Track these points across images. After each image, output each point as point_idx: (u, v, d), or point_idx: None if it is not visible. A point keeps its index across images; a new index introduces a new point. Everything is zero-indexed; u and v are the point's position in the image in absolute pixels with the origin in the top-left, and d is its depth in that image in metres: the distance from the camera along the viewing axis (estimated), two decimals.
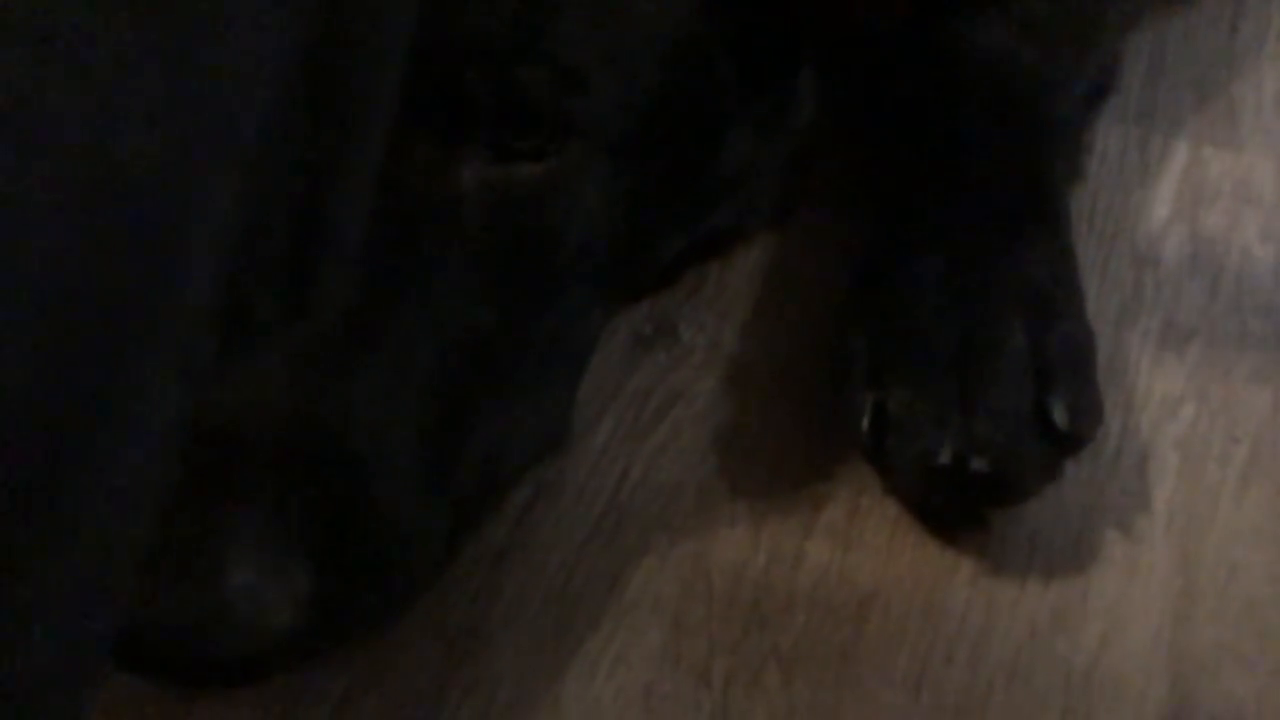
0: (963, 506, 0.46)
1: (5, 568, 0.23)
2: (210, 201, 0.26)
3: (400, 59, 0.33)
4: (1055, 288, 0.50)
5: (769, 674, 0.42)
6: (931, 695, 0.42)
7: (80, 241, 0.23)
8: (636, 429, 0.49)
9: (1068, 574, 0.46)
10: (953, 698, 0.42)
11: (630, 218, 0.46)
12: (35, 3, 0.22)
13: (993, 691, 0.42)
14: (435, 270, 0.41)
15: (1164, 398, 0.51)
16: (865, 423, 0.46)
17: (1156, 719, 0.42)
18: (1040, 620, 0.44)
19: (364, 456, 0.39)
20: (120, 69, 0.23)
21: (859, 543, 0.46)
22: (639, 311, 0.51)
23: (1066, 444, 0.46)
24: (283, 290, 0.34)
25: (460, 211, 0.41)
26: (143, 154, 0.24)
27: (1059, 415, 0.45)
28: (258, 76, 0.27)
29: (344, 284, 0.36)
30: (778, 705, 0.41)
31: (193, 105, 0.25)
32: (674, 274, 0.52)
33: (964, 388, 0.46)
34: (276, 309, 0.35)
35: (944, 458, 0.44)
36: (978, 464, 0.44)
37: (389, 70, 0.33)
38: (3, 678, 0.23)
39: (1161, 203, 0.58)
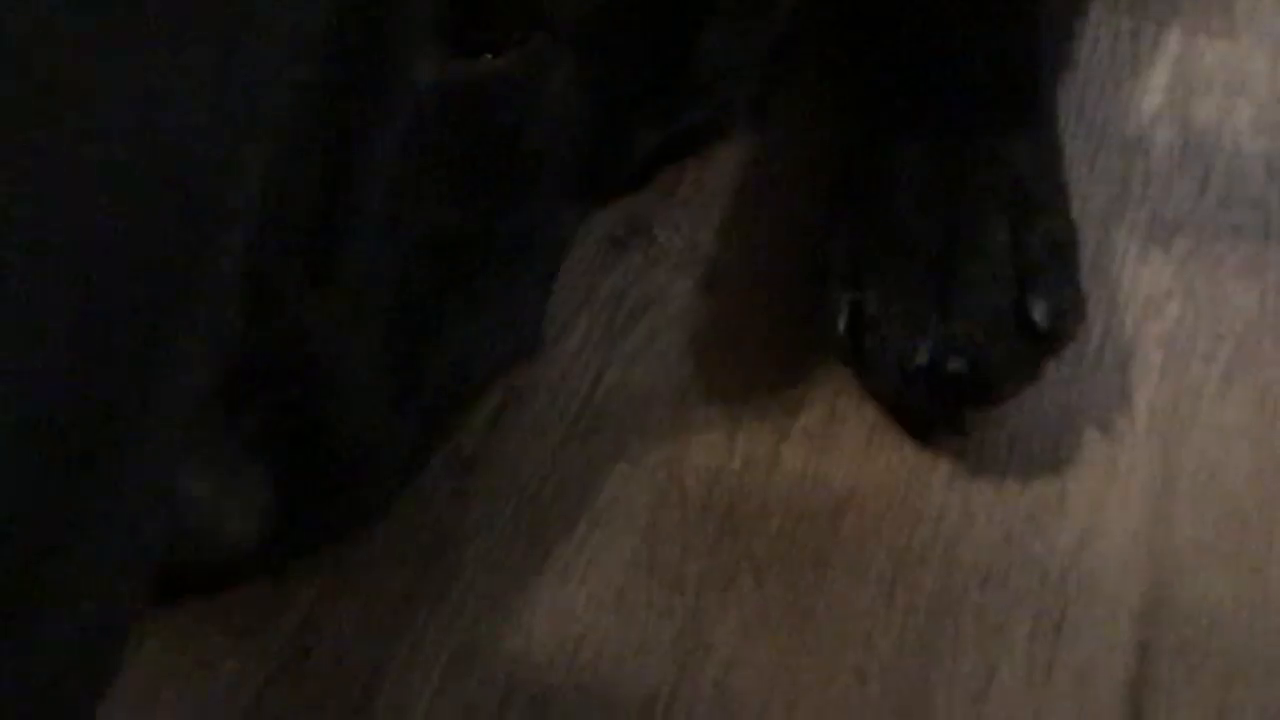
0: (941, 409, 0.46)
1: (55, 536, 0.23)
2: (247, 173, 0.26)
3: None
4: (1040, 182, 0.49)
5: (742, 579, 0.42)
6: (905, 597, 0.42)
7: (126, 218, 0.23)
8: (610, 333, 0.48)
9: (1046, 475, 0.45)
10: (926, 600, 0.42)
11: (600, 115, 0.45)
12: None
13: (967, 593, 0.42)
14: (396, 171, 0.40)
15: (1149, 294, 0.51)
16: (842, 324, 0.46)
17: (1132, 618, 0.42)
18: (1017, 522, 0.44)
19: (324, 363, 0.38)
20: (171, 43, 0.23)
21: (835, 446, 0.45)
22: (613, 213, 0.50)
23: (1047, 343, 0.45)
24: (305, 258, 0.34)
25: (419, 108, 0.40)
26: (189, 129, 0.24)
27: (1039, 314, 0.44)
28: (297, 46, 0.27)
29: (367, 253, 0.36)
30: (751, 610, 0.41)
31: (236, 78, 0.25)
32: (649, 174, 0.51)
33: (943, 287, 0.45)
34: (298, 278, 0.34)
35: (921, 359, 0.43)
36: (955, 365, 0.43)
37: (416, 44, 0.32)
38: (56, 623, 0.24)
39: (1152, 93, 0.57)
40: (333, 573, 0.41)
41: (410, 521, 0.42)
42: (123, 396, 0.24)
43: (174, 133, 0.24)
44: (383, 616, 0.40)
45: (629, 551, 0.42)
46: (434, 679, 0.39)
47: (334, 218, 0.36)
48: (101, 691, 0.25)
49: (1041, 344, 0.44)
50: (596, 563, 0.42)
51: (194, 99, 0.24)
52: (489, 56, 0.41)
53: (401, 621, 0.40)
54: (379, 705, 0.38)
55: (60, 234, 0.22)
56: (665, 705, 0.39)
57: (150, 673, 0.38)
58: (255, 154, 0.26)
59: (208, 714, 0.37)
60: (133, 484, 0.25)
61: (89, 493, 0.24)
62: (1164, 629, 0.42)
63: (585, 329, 0.48)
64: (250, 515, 0.37)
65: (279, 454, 0.37)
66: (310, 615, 0.40)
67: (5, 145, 0.22)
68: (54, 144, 0.22)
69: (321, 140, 0.34)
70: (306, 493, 0.39)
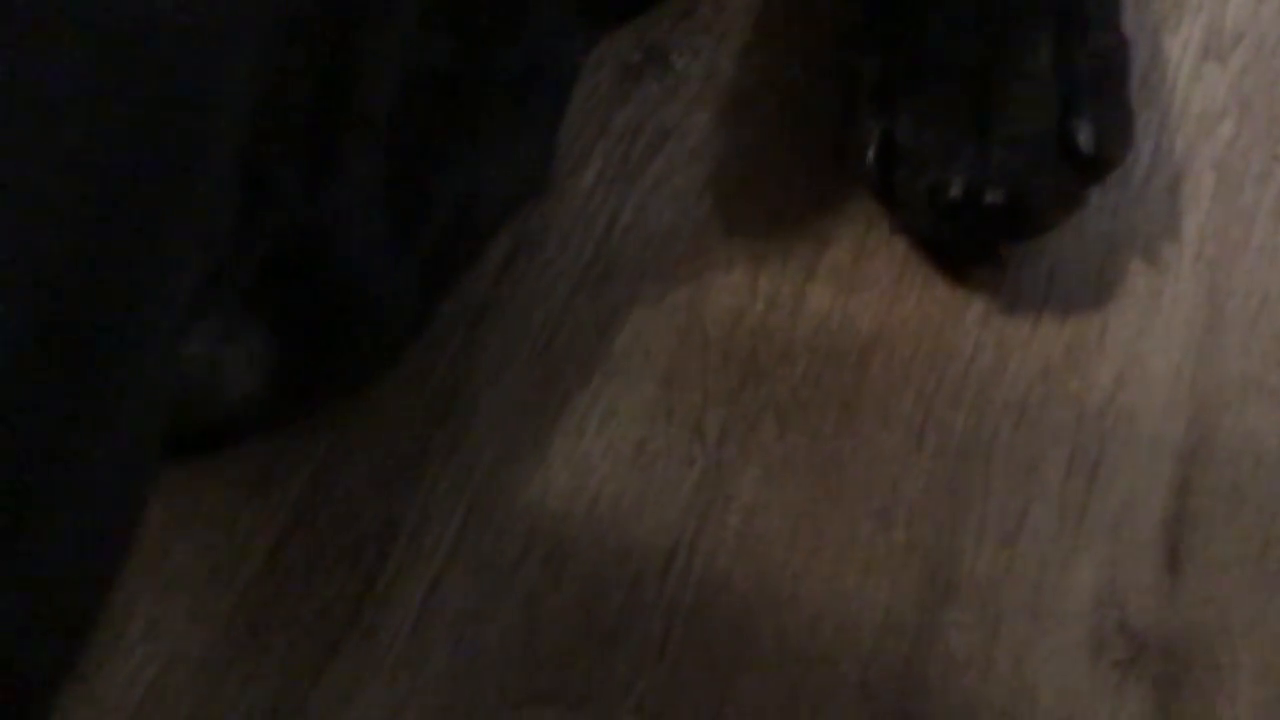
0: (976, 242, 0.43)
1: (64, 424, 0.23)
2: (240, 63, 0.25)
3: None
4: None
5: (765, 426, 0.41)
6: (935, 439, 0.41)
7: (116, 101, 0.22)
8: (625, 169, 0.46)
9: (1086, 309, 0.43)
10: (957, 441, 0.40)
11: None
12: None
13: (999, 434, 0.41)
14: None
15: (1203, 113, 0.47)
16: (871, 154, 0.43)
17: (1172, 457, 0.40)
18: (1054, 358, 0.42)
19: (320, 209, 0.36)
20: None
21: (863, 285, 0.43)
22: (626, 37, 0.48)
23: (1091, 169, 0.42)
24: (304, 160, 0.32)
25: None
26: (179, 8, 0.23)
27: (1084, 139, 0.42)
28: None
29: (368, 155, 0.34)
30: (773, 457, 0.40)
31: None
32: None
33: (980, 112, 0.42)
34: (298, 180, 0.33)
35: (956, 190, 0.41)
36: (993, 196, 0.41)
37: None
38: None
39: None
40: (343, 427, 0.40)
41: (421, 374, 0.41)
42: (123, 288, 0.24)
43: (164, 5, 0.22)
44: (395, 471, 0.39)
45: (647, 399, 0.41)
46: (448, 534, 0.38)
47: (336, 113, 0.34)
48: (118, 570, 0.25)
49: (1086, 170, 0.42)
50: (614, 411, 0.41)
51: None
52: None
53: (414, 475, 0.39)
54: (393, 560, 0.38)
55: (46, 108, 0.21)
56: (685, 555, 0.38)
57: (161, 529, 0.37)
58: (251, 44, 0.25)
59: (220, 569, 0.37)
60: (136, 371, 0.24)
61: (95, 382, 0.23)
62: (1205, 467, 0.40)
63: (598, 166, 0.46)
64: (252, 369, 0.36)
65: (280, 305, 0.36)
66: (321, 470, 0.39)
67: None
68: (49, 21, 0.21)
69: (321, 29, 0.32)
70: (310, 344, 0.38)
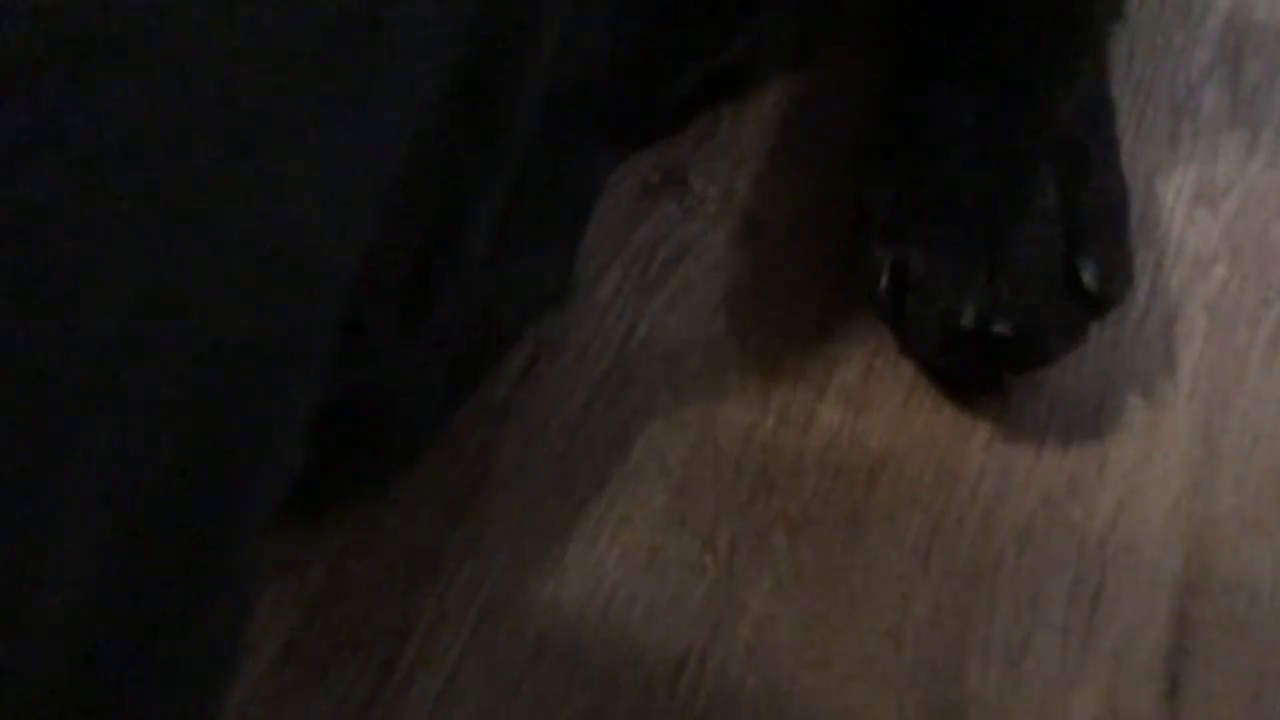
0: (982, 370, 0.45)
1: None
2: (358, 237, 0.26)
3: (544, 79, 0.31)
4: (1091, 138, 0.48)
5: (776, 538, 0.41)
6: (941, 561, 0.41)
7: (246, 308, 0.23)
8: (643, 283, 0.47)
9: (1086, 440, 0.44)
10: (963, 564, 0.41)
11: (637, 47, 0.43)
12: (222, 88, 0.22)
13: (1004, 558, 0.41)
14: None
15: (1196, 257, 0.49)
16: (884, 281, 0.44)
17: (1171, 588, 0.41)
18: (1056, 487, 0.43)
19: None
20: (295, 131, 0.23)
21: (872, 405, 0.44)
22: (647, 158, 0.49)
23: (1094, 306, 0.44)
24: (401, 311, 0.33)
25: None
26: (307, 222, 0.24)
27: (1089, 276, 0.43)
28: (413, 107, 0.26)
29: (463, 313, 0.35)
30: (784, 570, 0.40)
31: (355, 152, 0.24)
32: (685, 118, 0.50)
33: (990, 246, 0.44)
34: (393, 330, 0.34)
35: (967, 320, 0.42)
36: (1001, 327, 0.42)
37: (534, 89, 0.32)
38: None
39: (1203, 49, 0.55)
40: (361, 522, 0.40)
41: (439, 472, 0.41)
42: (235, 488, 0.25)
43: (294, 219, 0.24)
44: (410, 569, 0.39)
45: (661, 508, 0.41)
46: (463, 633, 0.38)
47: (435, 268, 0.35)
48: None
49: (1089, 306, 0.43)
50: (628, 519, 0.41)
51: (313, 186, 0.24)
52: None
53: (429, 575, 0.39)
54: (407, 657, 0.38)
55: (182, 319, 0.23)
56: (696, 664, 0.38)
57: None
58: (369, 216, 0.26)
59: None
60: (237, 551, 0.25)
61: (204, 567, 0.24)
62: (1203, 600, 0.41)
63: (618, 279, 0.47)
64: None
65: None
66: (338, 564, 0.39)
67: (153, 247, 0.22)
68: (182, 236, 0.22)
69: (437, 192, 0.33)
70: (333, 438, 0.38)
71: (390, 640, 0.38)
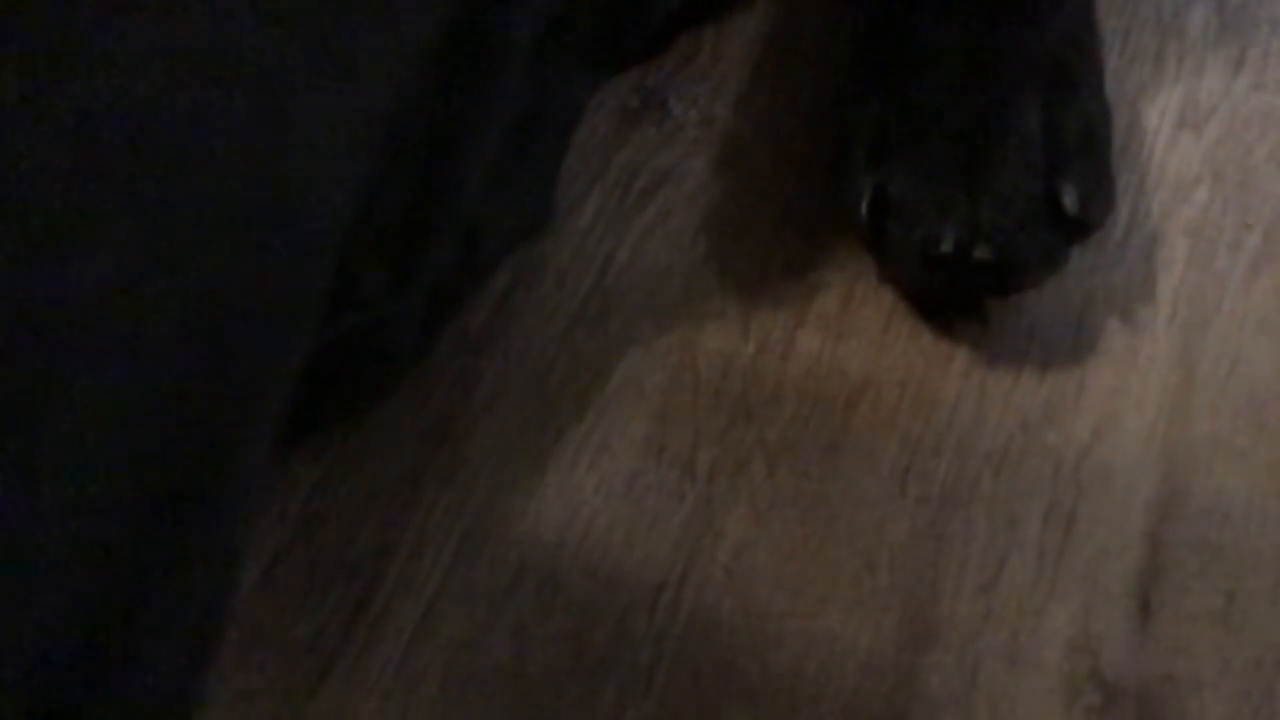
0: (962, 296, 0.45)
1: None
2: (352, 187, 0.26)
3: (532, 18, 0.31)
4: (1076, 60, 0.47)
5: (754, 465, 0.41)
6: (918, 486, 0.42)
7: (243, 259, 0.24)
8: (623, 210, 0.47)
9: (1064, 365, 0.44)
10: (939, 489, 0.41)
11: None
12: (220, 35, 0.22)
13: (979, 483, 0.42)
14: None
15: (1178, 180, 0.49)
16: (864, 207, 0.44)
17: (1145, 512, 0.42)
18: (1032, 412, 0.43)
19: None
20: (291, 85, 0.23)
21: (851, 332, 0.45)
22: (626, 83, 0.49)
23: (1075, 231, 0.44)
24: (392, 262, 0.33)
25: None
26: (302, 171, 0.24)
27: (1070, 200, 0.43)
28: (406, 58, 0.26)
29: (451, 254, 0.35)
30: (762, 496, 0.41)
31: (350, 100, 0.24)
32: (664, 41, 0.49)
33: (971, 170, 0.44)
34: (383, 281, 0.33)
35: (947, 245, 0.42)
36: (981, 252, 0.42)
37: (525, 28, 0.31)
38: None
39: None
40: (339, 453, 0.40)
41: (417, 402, 0.41)
42: (226, 447, 0.25)
43: (285, 175, 0.24)
44: (389, 497, 0.40)
45: (640, 435, 0.42)
46: (442, 560, 0.39)
47: (429, 214, 0.35)
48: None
49: (1070, 231, 0.43)
50: (607, 446, 0.41)
51: (311, 133, 0.24)
52: None
53: (409, 502, 0.40)
54: (386, 586, 0.38)
55: (178, 270, 0.23)
56: (675, 588, 0.39)
57: None
58: (362, 167, 0.26)
59: None
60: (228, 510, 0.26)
61: (196, 521, 0.25)
62: (1177, 522, 0.41)
63: (596, 206, 0.47)
64: None
65: None
66: (316, 495, 0.39)
67: (148, 197, 0.22)
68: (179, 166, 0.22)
69: (425, 141, 0.33)
70: (312, 370, 0.38)
71: (370, 567, 0.38)
